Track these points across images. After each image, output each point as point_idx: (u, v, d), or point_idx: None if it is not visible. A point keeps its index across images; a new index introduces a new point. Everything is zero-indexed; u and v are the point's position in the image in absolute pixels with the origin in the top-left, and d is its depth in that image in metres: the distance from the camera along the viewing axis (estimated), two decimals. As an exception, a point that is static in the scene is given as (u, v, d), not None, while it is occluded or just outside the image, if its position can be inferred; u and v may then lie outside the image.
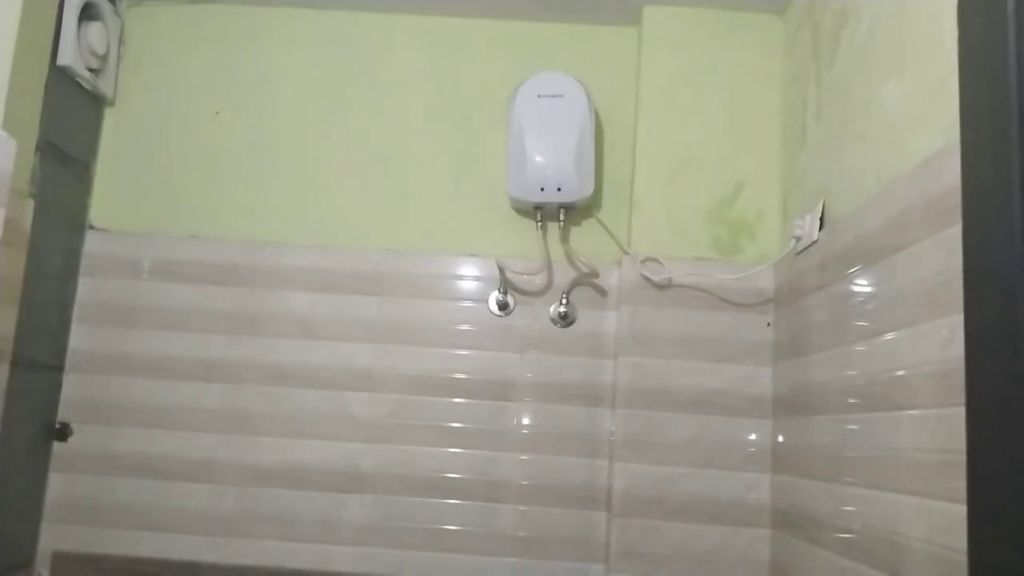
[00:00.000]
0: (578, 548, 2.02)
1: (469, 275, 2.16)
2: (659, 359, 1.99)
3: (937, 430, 1.14)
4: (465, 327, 2.14)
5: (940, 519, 1.11)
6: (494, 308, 2.14)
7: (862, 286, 1.47)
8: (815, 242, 1.72)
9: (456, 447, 2.08)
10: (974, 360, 1.03)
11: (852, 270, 1.52)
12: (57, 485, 2.08)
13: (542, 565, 2.02)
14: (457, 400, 2.10)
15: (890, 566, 1.28)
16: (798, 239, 1.80)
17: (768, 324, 1.98)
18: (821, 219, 1.71)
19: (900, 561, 1.25)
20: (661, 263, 2.01)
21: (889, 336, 1.34)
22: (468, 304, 2.15)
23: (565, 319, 2.13)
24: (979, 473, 1.01)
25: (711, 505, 1.93)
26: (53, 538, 2.06)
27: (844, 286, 1.55)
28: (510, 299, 2.14)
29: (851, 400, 1.48)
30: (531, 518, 2.04)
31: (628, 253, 2.05)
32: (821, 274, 1.68)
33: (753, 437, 1.95)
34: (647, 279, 2.02)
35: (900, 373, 1.28)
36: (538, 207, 2.10)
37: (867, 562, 1.36)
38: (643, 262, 2.02)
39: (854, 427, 1.46)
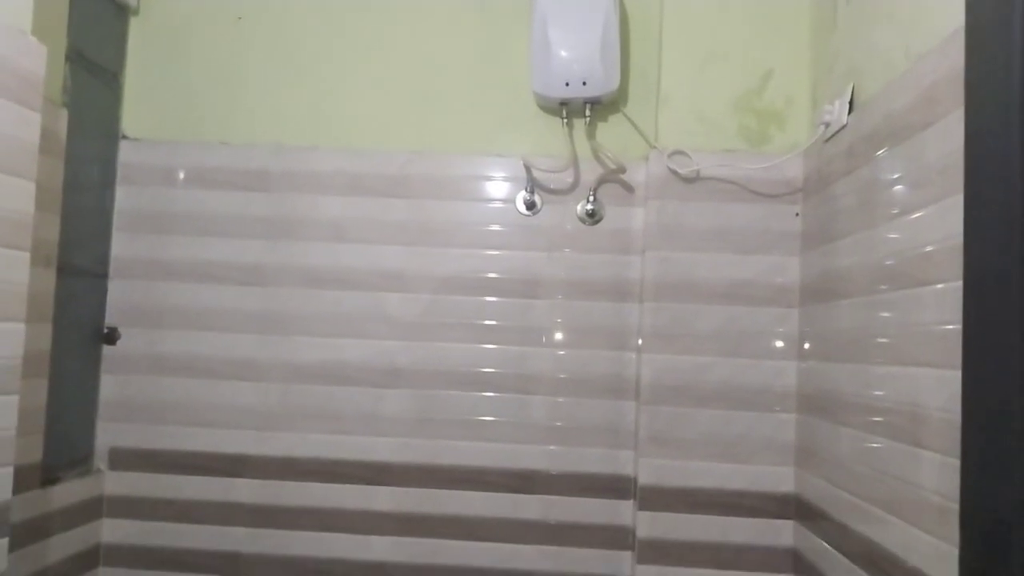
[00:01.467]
0: (608, 435, 2.09)
1: (496, 175, 2.17)
2: (687, 252, 2.00)
3: (959, 301, 1.16)
4: (494, 227, 2.16)
5: (957, 387, 1.14)
6: (521, 208, 2.16)
7: (890, 166, 1.46)
8: (844, 127, 1.70)
9: (489, 343, 2.13)
10: (972, 237, 1.06)
11: (880, 152, 1.50)
12: (109, 386, 2.19)
13: (574, 452, 2.10)
14: (488, 299, 2.14)
15: (910, 437, 1.32)
16: (827, 125, 1.78)
17: (796, 214, 1.98)
18: (850, 103, 1.69)
19: (919, 431, 1.28)
20: (689, 156, 2.00)
21: (916, 214, 1.34)
22: (496, 204, 2.17)
23: (592, 216, 2.14)
24: (972, 344, 1.05)
25: (739, 392, 1.97)
26: (109, 436, 2.18)
27: (872, 168, 1.54)
28: (537, 198, 2.16)
29: (877, 281, 1.49)
30: (563, 408, 2.11)
31: (655, 147, 2.04)
32: (849, 159, 1.67)
33: (781, 329, 1.97)
34: (674, 173, 2.01)
35: (928, 249, 1.29)
36: (563, 103, 2.09)
37: (889, 435, 1.40)
38: (670, 156, 2.01)
39: (879, 307, 1.47)
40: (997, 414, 1.01)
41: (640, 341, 2.04)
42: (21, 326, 1.49)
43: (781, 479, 1.95)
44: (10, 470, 1.49)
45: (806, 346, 1.91)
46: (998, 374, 1.00)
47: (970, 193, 1.11)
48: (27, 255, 1.50)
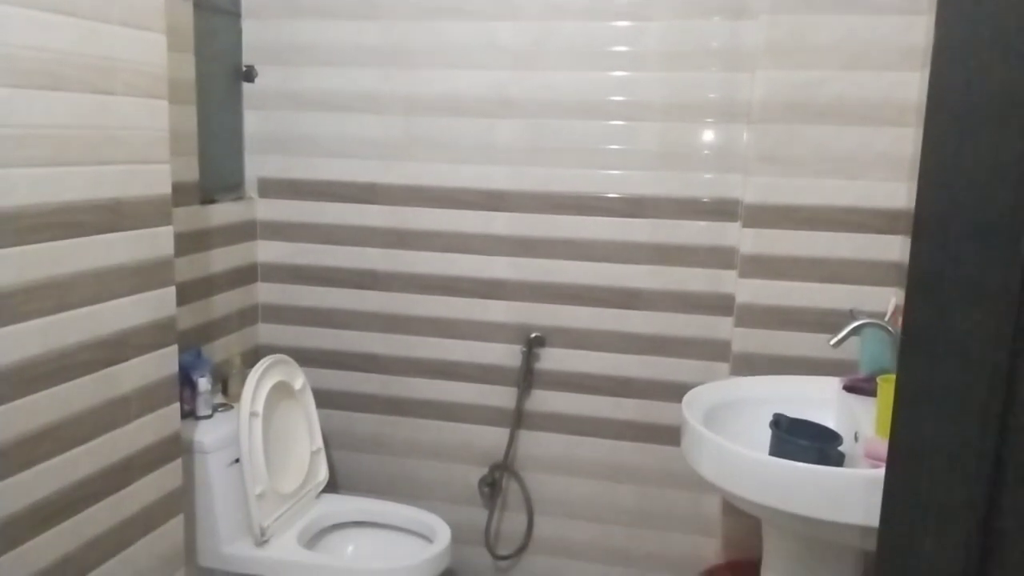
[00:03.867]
0: (715, 160, 2.11)
1: None
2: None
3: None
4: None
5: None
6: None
7: None
8: None
9: (596, 70, 2.14)
10: None
11: None
12: (252, 121, 2.39)
13: (682, 176, 2.13)
14: (596, 23, 2.13)
15: None
16: None
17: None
18: None
19: None
20: None
21: None
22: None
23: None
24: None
25: (854, 106, 1.92)
26: (256, 166, 2.41)
27: None
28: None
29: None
30: (670, 134, 2.12)
31: None
32: None
33: (904, 39, 1.87)
34: None
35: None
36: None
37: None
38: None
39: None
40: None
41: (754, 59, 1.99)
42: (162, 38, 1.63)
43: (893, 194, 1.93)
44: (172, 290, 1.70)
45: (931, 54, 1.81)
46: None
47: None
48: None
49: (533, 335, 2.28)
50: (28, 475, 1.38)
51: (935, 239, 0.78)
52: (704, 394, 1.77)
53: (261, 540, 1.97)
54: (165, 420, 1.71)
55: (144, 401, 1.64)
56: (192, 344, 2.10)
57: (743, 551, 2.14)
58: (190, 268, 2.12)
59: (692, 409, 1.66)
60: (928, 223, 0.80)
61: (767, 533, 1.66)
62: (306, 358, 2.41)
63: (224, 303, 2.29)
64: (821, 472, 1.41)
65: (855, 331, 1.67)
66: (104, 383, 1.53)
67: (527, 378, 2.31)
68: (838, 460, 1.56)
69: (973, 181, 0.71)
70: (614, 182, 2.18)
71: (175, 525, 1.75)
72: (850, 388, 1.77)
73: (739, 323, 2.07)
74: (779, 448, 1.60)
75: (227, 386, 2.16)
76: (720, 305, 2.15)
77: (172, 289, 1.70)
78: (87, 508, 1.51)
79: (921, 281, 0.80)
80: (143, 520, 1.65)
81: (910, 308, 0.83)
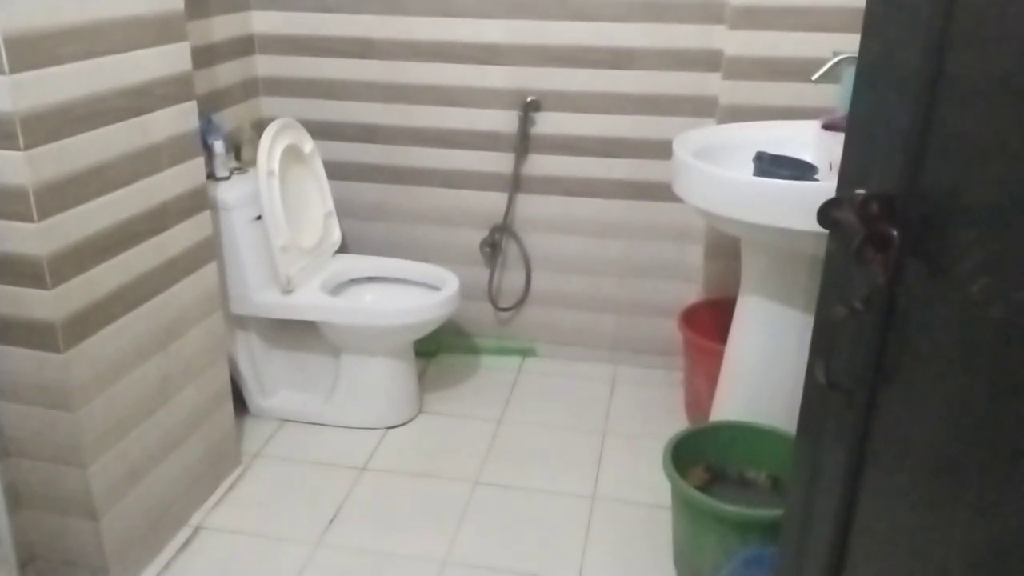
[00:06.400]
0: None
1: None
2: None
3: None
4: None
5: None
6: None
7: None
8: None
9: None
10: None
11: None
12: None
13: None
14: None
15: None
16: None
17: None
18: None
19: None
20: None
21: None
22: None
23: None
24: None
25: None
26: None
27: None
28: None
29: None
30: None
31: None
32: None
33: None
34: None
35: None
36: None
37: None
38: None
39: None
40: None
41: None
42: None
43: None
44: (186, 45, 1.77)
45: None
46: None
47: None
48: None
49: (529, 99, 2.37)
50: (82, 210, 1.51)
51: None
52: (692, 137, 1.90)
53: (287, 289, 2.16)
54: (192, 172, 1.83)
55: (173, 152, 1.75)
56: (202, 112, 2.18)
57: (721, 291, 2.36)
58: (191, 35, 2.15)
59: (682, 147, 1.80)
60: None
61: (746, 255, 1.86)
62: (310, 131, 2.50)
63: (225, 73, 2.35)
64: (800, 187, 1.58)
65: (835, 67, 1.78)
66: (137, 130, 1.63)
67: (523, 143, 2.43)
68: (814, 186, 1.73)
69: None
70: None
71: (210, 270, 1.92)
72: (828, 127, 1.90)
73: (727, 76, 2.17)
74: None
75: (240, 152, 2.27)
76: (709, 61, 2.24)
77: (186, 44, 1.77)
78: (134, 246, 1.66)
79: (871, 24, 0.83)
80: (182, 263, 1.81)
81: (864, 47, 0.85)
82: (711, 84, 2.26)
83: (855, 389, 0.78)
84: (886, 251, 0.69)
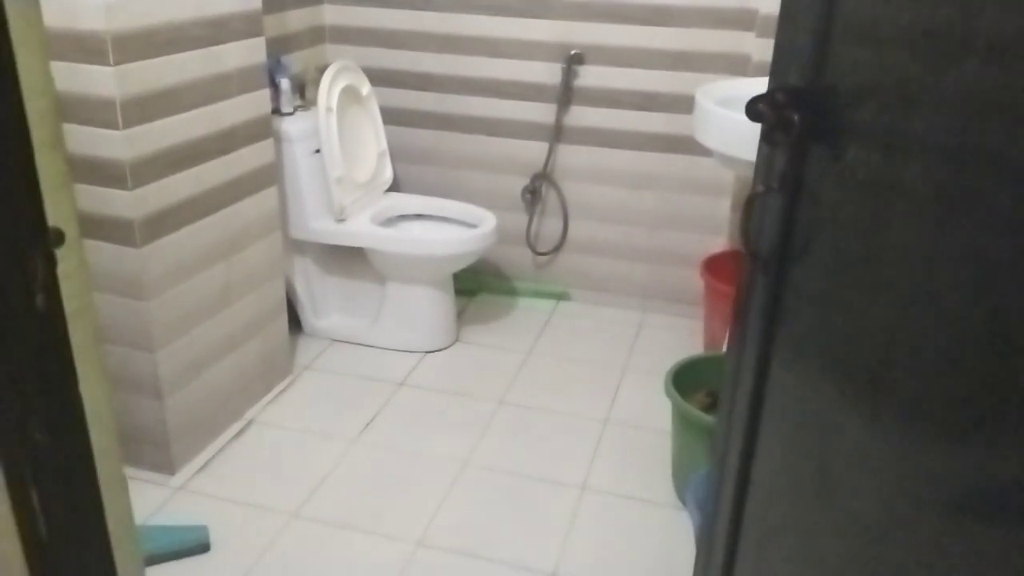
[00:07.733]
0: None
1: None
2: None
3: None
4: None
5: None
6: None
7: None
8: None
9: None
10: None
11: None
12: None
13: None
14: None
15: None
16: None
17: None
18: None
19: None
20: None
21: None
22: None
23: None
24: None
25: None
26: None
27: None
28: None
29: None
30: None
31: None
32: None
33: None
34: None
35: None
36: None
37: None
38: None
39: None
40: None
41: None
42: None
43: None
44: None
45: None
46: None
47: None
48: None
49: (572, 52, 2.52)
50: (160, 124, 1.73)
51: None
52: (715, 88, 2.03)
53: (340, 217, 2.37)
54: (258, 102, 2.04)
55: (242, 81, 1.96)
56: (271, 53, 2.40)
57: (748, 243, 2.48)
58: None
59: (704, 96, 1.93)
60: None
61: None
62: (370, 77, 2.70)
63: (296, 20, 2.56)
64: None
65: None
66: (211, 59, 1.85)
67: (566, 94, 2.58)
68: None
69: None
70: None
71: (271, 193, 2.14)
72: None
73: (760, 34, 2.28)
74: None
75: (304, 92, 2.49)
76: (744, 19, 2.35)
77: (256, -18, 1.98)
78: (204, 162, 1.88)
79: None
80: (247, 183, 2.04)
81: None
82: (746, 42, 2.37)
83: (769, 259, 0.93)
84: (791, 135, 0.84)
